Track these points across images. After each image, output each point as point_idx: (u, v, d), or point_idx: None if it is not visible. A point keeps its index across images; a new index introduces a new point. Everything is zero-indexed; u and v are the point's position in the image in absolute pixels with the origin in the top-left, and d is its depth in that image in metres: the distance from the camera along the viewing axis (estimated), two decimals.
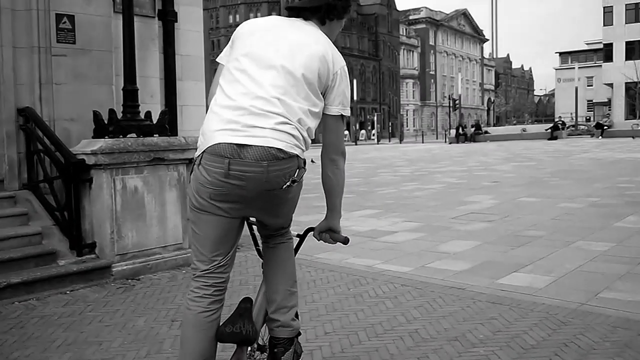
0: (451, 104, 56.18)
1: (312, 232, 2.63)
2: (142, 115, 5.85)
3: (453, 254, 6.23)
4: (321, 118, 2.42)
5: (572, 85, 51.97)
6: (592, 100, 78.01)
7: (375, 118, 61.08)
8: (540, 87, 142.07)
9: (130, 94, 5.73)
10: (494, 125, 70.36)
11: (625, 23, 55.20)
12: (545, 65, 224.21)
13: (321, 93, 2.38)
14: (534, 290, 4.83)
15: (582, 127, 42.99)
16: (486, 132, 41.67)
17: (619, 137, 31.85)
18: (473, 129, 41.09)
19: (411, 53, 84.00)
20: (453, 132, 42.48)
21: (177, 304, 4.63)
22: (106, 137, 5.47)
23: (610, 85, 57.44)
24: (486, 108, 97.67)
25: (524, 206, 9.38)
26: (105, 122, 5.53)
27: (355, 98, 61.76)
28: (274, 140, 2.21)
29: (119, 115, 5.68)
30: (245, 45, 2.37)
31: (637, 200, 9.63)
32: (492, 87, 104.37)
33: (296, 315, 2.65)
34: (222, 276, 2.40)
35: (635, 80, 51.60)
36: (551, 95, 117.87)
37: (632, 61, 52.93)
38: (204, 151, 2.26)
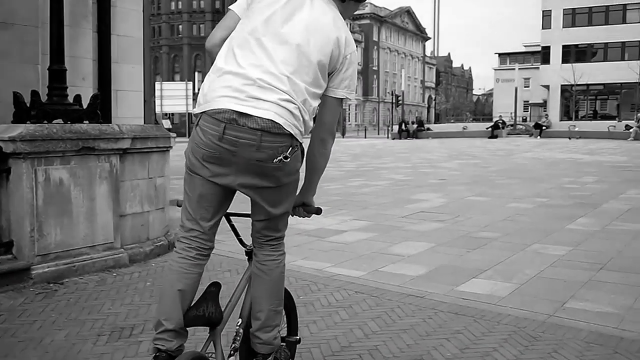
0: (394, 100, 56.42)
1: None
2: (70, 99, 5.25)
3: (407, 257, 5.88)
4: (322, 98, 2.43)
5: (510, 86, 53.10)
6: (528, 101, 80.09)
7: None
8: (479, 87, 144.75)
9: (57, 74, 5.12)
10: (434, 123, 71.19)
11: (563, 27, 56.65)
12: (484, 65, 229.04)
13: (328, 74, 2.40)
14: (496, 299, 4.52)
15: (521, 126, 43.88)
16: (428, 129, 42.00)
17: (556, 138, 32.55)
18: (415, 126, 41.31)
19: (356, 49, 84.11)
20: (396, 127, 42.60)
21: (105, 313, 4.08)
22: (28, 122, 4.85)
23: (547, 87, 58.90)
24: (427, 105, 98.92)
25: (473, 205, 9.16)
26: (28, 105, 4.90)
27: None
28: (274, 114, 2.23)
29: (44, 98, 5.06)
30: (264, 13, 2.36)
31: (584, 201, 9.56)
32: (433, 85, 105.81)
33: (294, 324, 2.96)
34: (206, 243, 2.43)
35: (571, 83, 53.04)
36: (489, 94, 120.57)
37: (568, 64, 54.40)
38: (203, 112, 2.28)
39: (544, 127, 34.91)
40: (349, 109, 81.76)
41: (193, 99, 48.43)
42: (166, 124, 49.53)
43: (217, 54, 2.39)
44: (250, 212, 2.52)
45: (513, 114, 48.17)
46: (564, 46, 56.30)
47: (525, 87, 78.41)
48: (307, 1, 2.39)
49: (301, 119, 2.32)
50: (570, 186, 11.60)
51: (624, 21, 54.77)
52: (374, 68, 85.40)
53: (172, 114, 57.24)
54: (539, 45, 62.07)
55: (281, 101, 2.25)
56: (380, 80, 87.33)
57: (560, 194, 10.42)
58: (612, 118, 49.01)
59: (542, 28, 58.54)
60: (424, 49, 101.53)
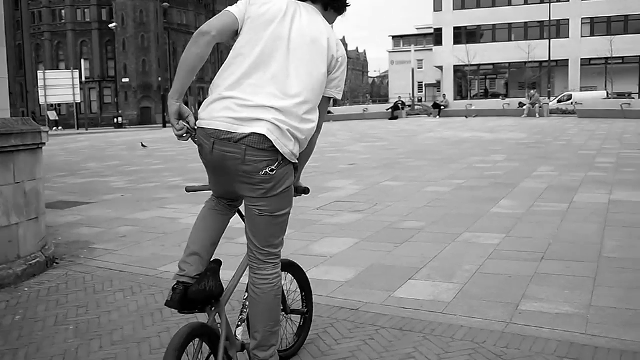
0: None
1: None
2: None
3: (330, 258, 5.17)
4: None
5: (405, 68, 53.91)
6: (422, 82, 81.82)
7: None
8: (374, 69, 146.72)
9: None
10: (333, 106, 71.24)
11: (454, 9, 58.03)
12: (379, 48, 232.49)
13: None
14: (442, 305, 3.89)
15: (419, 107, 44.41)
16: (329, 112, 41.62)
17: (454, 117, 33.03)
18: None
19: None
20: None
21: None
22: None
23: (440, 68, 60.25)
24: None
25: (390, 192, 8.61)
26: None
27: (193, 77, 59.33)
28: (265, 130, 2.36)
29: None
30: (267, 29, 2.48)
31: (500, 181, 9.25)
32: None
33: (309, 300, 3.27)
34: (229, 206, 2.73)
35: (464, 63, 54.43)
36: (384, 77, 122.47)
37: (460, 45, 55.79)
38: (200, 128, 2.47)
39: (442, 107, 35.36)
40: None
41: (80, 88, 45.66)
42: (52, 115, 46.46)
43: (208, 42, 2.46)
44: None
45: (411, 95, 48.77)
46: (455, 28, 57.71)
47: (419, 68, 79.97)
48: (297, 10, 2.56)
49: (293, 139, 2.43)
50: (482, 165, 11.34)
51: (509, 3, 56.79)
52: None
53: (59, 105, 53.85)
54: (431, 27, 63.34)
55: (275, 120, 2.38)
56: None
57: (475, 175, 10.09)
58: (503, 96, 50.78)
59: (434, 10, 59.69)
60: None
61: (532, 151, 13.93)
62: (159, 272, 4.86)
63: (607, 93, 42.65)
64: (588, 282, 4.25)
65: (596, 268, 4.59)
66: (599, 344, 3.22)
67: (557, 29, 53.23)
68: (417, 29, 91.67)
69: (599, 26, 53.81)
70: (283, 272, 2.90)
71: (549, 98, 40.88)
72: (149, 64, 61.03)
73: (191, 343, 2.35)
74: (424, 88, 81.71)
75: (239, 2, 2.57)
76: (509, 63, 56.86)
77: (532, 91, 34.46)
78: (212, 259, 2.68)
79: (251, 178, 2.42)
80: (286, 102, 2.42)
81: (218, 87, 2.50)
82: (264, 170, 2.39)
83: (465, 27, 58.11)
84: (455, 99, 51.07)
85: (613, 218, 6.37)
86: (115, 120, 51.19)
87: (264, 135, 2.35)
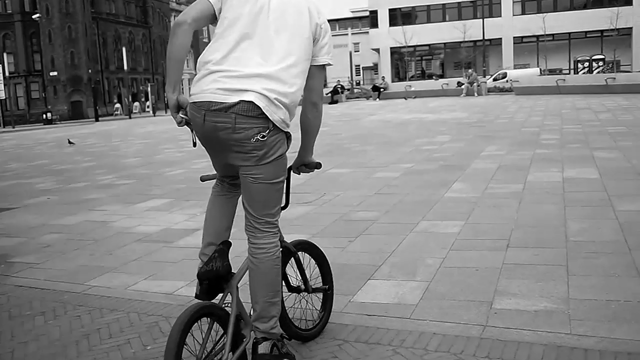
0: None
1: (292, 170, 2.89)
2: None
3: None
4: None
5: (342, 51, 53.31)
6: (359, 65, 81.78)
7: (149, 89, 57.15)
8: None
9: None
10: None
11: None
12: None
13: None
14: (409, 309, 3.48)
15: (359, 90, 44.19)
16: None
17: (394, 99, 32.96)
18: None
19: None
20: None
21: None
22: None
23: (377, 50, 60.20)
24: None
25: (337, 179, 8.19)
26: None
27: (125, 68, 57.45)
28: (254, 97, 2.40)
29: None
30: (244, 6, 2.53)
31: (449, 163, 8.98)
32: None
33: (328, 276, 3.31)
34: (233, 185, 2.75)
35: (401, 45, 54.49)
36: None
37: (396, 27, 55.82)
38: (192, 102, 2.51)
39: (382, 89, 35.21)
40: (182, 84, 78.28)
41: (5, 84, 43.41)
42: None
43: (186, 30, 2.48)
44: None
45: (350, 79, 48.51)
46: (390, 10, 57.65)
47: (356, 51, 79.91)
48: None
49: (282, 107, 2.46)
50: (429, 147, 11.06)
51: None
52: (204, 40, 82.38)
53: None
54: (366, 10, 63.15)
55: (265, 90, 2.41)
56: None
57: (422, 157, 9.79)
58: (438, 77, 51.15)
59: None
60: None
61: (476, 130, 13.78)
62: (87, 287, 4.28)
63: (541, 70, 43.47)
64: (561, 271, 3.94)
65: (566, 254, 4.28)
66: (588, 345, 2.88)
67: (489, 8, 53.94)
68: (352, 12, 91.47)
69: (529, 4, 54.73)
70: (300, 253, 3.08)
71: (484, 77, 41.35)
72: (77, 56, 58.53)
73: (201, 322, 2.40)
74: (361, 71, 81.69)
75: None
76: (444, 43, 57.27)
77: (469, 70, 34.73)
78: (222, 241, 2.71)
79: (243, 146, 2.45)
80: (272, 68, 2.47)
81: (206, 63, 2.52)
82: (255, 137, 2.43)
83: (400, 8, 58.16)
84: (393, 81, 51.12)
85: (571, 197, 6.13)
86: (44, 116, 48.91)
87: (252, 103, 2.40)
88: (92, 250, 5.30)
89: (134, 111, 53.52)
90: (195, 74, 2.58)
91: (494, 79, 41.06)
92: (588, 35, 53.05)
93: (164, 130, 22.67)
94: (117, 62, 61.44)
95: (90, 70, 57.61)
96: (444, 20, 56.90)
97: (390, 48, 57.47)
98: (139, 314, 3.65)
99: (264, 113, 2.41)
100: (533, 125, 14.15)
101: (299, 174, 3.00)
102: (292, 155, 2.73)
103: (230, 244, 2.72)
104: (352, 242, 5.02)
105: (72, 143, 18.73)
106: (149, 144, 17.04)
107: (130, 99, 55.59)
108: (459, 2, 56.42)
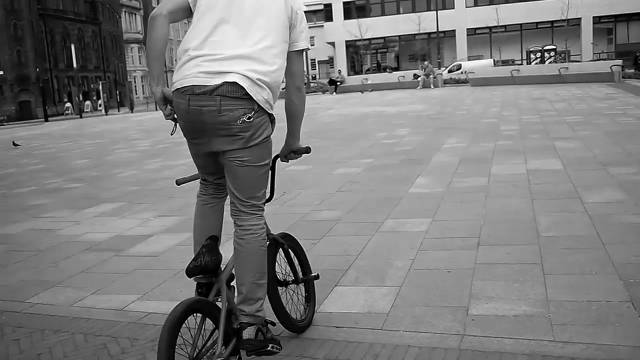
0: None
1: (279, 158, 2.93)
2: None
3: None
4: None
5: None
6: (315, 59, 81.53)
7: (101, 87, 55.59)
8: None
9: None
10: None
11: None
12: None
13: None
14: (380, 318, 3.24)
15: (314, 84, 43.91)
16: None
17: (351, 92, 32.80)
18: None
19: (134, 16, 78.58)
20: None
21: None
22: None
23: (332, 43, 59.97)
24: None
25: (297, 177, 7.91)
26: None
27: (75, 66, 55.87)
28: (237, 78, 2.41)
29: None
30: None
31: (411, 157, 8.80)
32: None
33: (306, 265, 3.29)
34: (218, 188, 2.73)
35: (357, 38, 54.38)
36: None
37: (351, 20, 55.67)
38: (176, 89, 2.48)
39: (338, 83, 35.00)
40: (135, 82, 76.92)
41: None
42: None
43: (162, 22, 2.52)
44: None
45: (305, 73, 48.12)
46: (344, 3, 57.44)
47: (311, 45, 79.43)
48: None
49: (266, 88, 2.48)
50: (389, 141, 10.88)
51: None
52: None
53: None
54: (320, 4, 62.86)
55: (247, 71, 2.43)
56: (169, 48, 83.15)
57: (384, 152, 9.58)
58: (391, 69, 51.25)
59: None
60: None
61: (436, 122, 13.67)
62: (28, 305, 3.91)
63: (494, 61, 43.94)
64: (536, 270, 3.75)
65: (539, 251, 4.11)
66: (574, 353, 2.68)
67: (443, 1, 54.24)
68: (306, 5, 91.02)
69: None
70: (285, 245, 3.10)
71: (439, 69, 41.56)
72: (24, 55, 56.60)
73: (192, 318, 2.34)
74: (317, 65, 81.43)
75: None
76: (399, 36, 57.37)
77: (425, 62, 34.80)
78: (211, 236, 2.68)
79: (229, 128, 2.45)
80: (251, 49, 2.48)
81: (186, 50, 2.52)
82: (241, 119, 2.43)
83: (354, 1, 58.03)
84: (349, 75, 50.99)
85: (537, 190, 5.99)
86: None
87: (236, 83, 2.41)
88: (36, 263, 4.90)
89: (85, 110, 52.09)
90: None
91: (449, 71, 41.31)
92: (539, 26, 53.87)
93: (116, 130, 21.99)
94: (66, 59, 59.60)
95: (38, 69, 55.77)
96: (398, 12, 57.01)
97: (346, 41, 57.30)
98: (85, 335, 3.31)
99: (248, 93, 2.43)
100: (492, 116, 14.11)
101: (287, 161, 3.01)
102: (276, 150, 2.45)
103: (217, 238, 2.70)
104: (316, 244, 4.75)
105: (17, 145, 17.93)
106: (101, 144, 16.43)
107: (81, 98, 54.10)
108: None
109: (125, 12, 75.71)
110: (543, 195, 5.73)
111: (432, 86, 31.14)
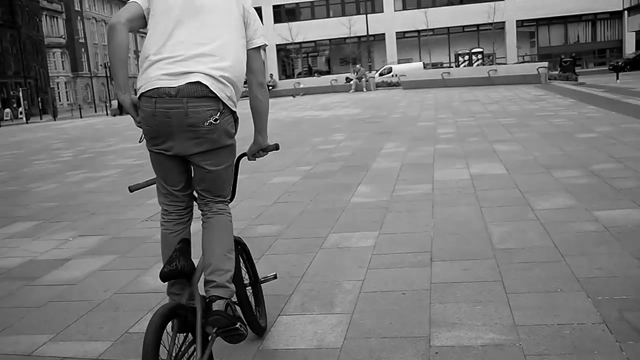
0: (108, 74, 51.79)
1: (246, 157, 2.95)
2: None
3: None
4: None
5: None
6: None
7: (21, 94, 53.18)
8: None
9: None
10: None
11: None
12: None
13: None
14: (331, 355, 2.84)
15: (245, 88, 43.17)
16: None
17: (283, 97, 32.40)
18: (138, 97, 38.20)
19: (55, 20, 75.55)
20: (115, 103, 38.90)
21: None
22: None
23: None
24: None
25: None
26: None
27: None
28: (200, 77, 2.43)
29: None
30: None
31: (351, 163, 8.48)
32: None
33: (254, 269, 3.25)
34: (181, 204, 2.67)
35: (288, 41, 54.04)
36: None
37: (282, 24, 55.29)
38: (141, 94, 2.49)
39: (270, 87, 34.53)
40: (58, 88, 73.99)
41: None
42: None
43: (121, 30, 2.51)
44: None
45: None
46: (274, 6, 57.04)
47: None
48: None
49: (230, 86, 2.50)
50: (326, 147, 10.54)
51: None
52: (80, 41, 78.20)
53: None
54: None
55: (209, 69, 2.46)
56: (90, 53, 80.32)
57: (321, 158, 9.23)
58: (319, 74, 51.21)
59: None
60: None
61: (372, 127, 13.44)
62: None
63: (424, 64, 44.50)
64: (497, 289, 3.45)
65: (497, 267, 3.81)
66: None
67: (372, 4, 54.63)
68: None
69: (410, 0, 56.02)
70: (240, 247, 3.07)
71: (370, 72, 41.73)
72: None
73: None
74: None
75: None
76: (330, 39, 57.48)
77: (357, 66, 34.83)
78: (182, 239, 2.66)
79: (197, 131, 2.46)
80: (210, 46, 2.51)
81: (147, 57, 2.53)
82: (208, 121, 2.46)
83: (284, 5, 57.75)
84: (280, 79, 50.62)
85: (484, 196, 5.75)
86: None
87: (199, 83, 2.42)
88: None
89: (5, 118, 49.63)
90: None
91: (380, 74, 41.52)
92: (465, 30, 55.08)
93: (37, 139, 20.81)
94: None
95: None
96: (328, 16, 57.09)
97: (276, 45, 56.87)
98: None
99: (212, 92, 2.45)
100: (427, 119, 14.01)
101: (255, 159, 3.01)
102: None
103: (189, 241, 2.67)
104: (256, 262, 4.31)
105: None
106: (18, 155, 15.39)
107: (0, 105, 51.50)
108: None
109: (45, 15, 72.74)
110: (491, 202, 5.49)
111: (364, 89, 31.13)
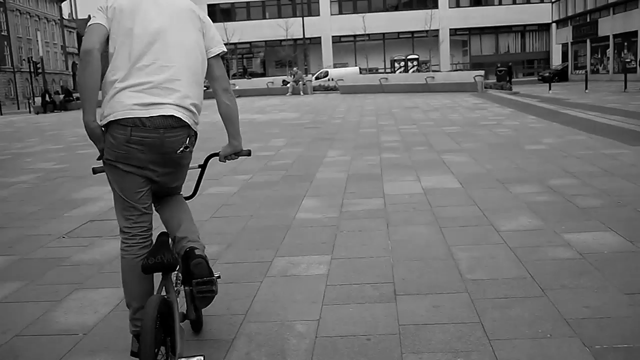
0: (32, 69, 49.30)
1: (217, 158, 3.01)
2: None
3: (84, 335, 3.24)
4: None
5: None
6: None
7: None
8: None
9: None
10: None
11: None
12: None
13: None
14: None
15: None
16: (77, 98, 37.44)
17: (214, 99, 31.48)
18: (62, 96, 36.54)
19: None
20: (38, 100, 36.93)
21: None
22: None
23: None
24: (72, 73, 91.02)
25: None
26: None
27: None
28: (173, 110, 2.53)
29: None
30: (134, 22, 2.57)
31: (293, 173, 7.91)
32: (76, 51, 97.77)
33: None
34: (144, 225, 2.68)
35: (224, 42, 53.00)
36: None
37: (215, 24, 53.98)
38: (111, 121, 2.50)
39: (204, 89, 33.54)
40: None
41: None
42: None
43: (96, 57, 2.50)
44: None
45: None
46: (208, 5, 55.88)
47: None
48: None
49: (196, 112, 2.64)
50: (265, 154, 9.91)
51: None
52: (3, 33, 74.45)
53: None
54: None
55: (178, 99, 2.55)
56: (13, 47, 76.44)
57: (260, 166, 8.61)
58: (259, 75, 50.51)
59: None
60: (61, 12, 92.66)
61: (312, 132, 12.92)
62: None
63: (360, 69, 44.45)
64: (478, 334, 2.94)
65: (471, 303, 3.33)
66: None
67: (308, 7, 54.35)
68: None
69: (346, 4, 56.07)
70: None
71: (307, 75, 41.32)
72: None
73: None
74: None
75: (94, 12, 2.63)
76: (265, 41, 56.84)
77: (294, 69, 34.29)
78: (161, 232, 2.77)
79: (170, 157, 2.59)
80: (175, 69, 2.56)
81: (112, 82, 2.53)
82: (180, 149, 2.59)
83: (219, 4, 56.70)
84: None
85: (442, 214, 5.29)
86: None
87: (173, 116, 2.52)
88: None
89: None
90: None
91: (316, 78, 41.19)
92: (400, 36, 55.55)
93: None
94: None
95: None
96: (264, 17, 56.46)
97: None
98: None
99: (184, 121, 2.55)
100: (369, 125, 13.60)
101: (225, 161, 3.04)
102: None
103: (168, 234, 2.78)
104: None
105: None
106: None
107: None
108: (278, 0, 56.26)
109: None
110: (450, 222, 5.03)
111: (302, 93, 30.63)
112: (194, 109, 2.60)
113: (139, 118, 2.45)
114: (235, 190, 6.97)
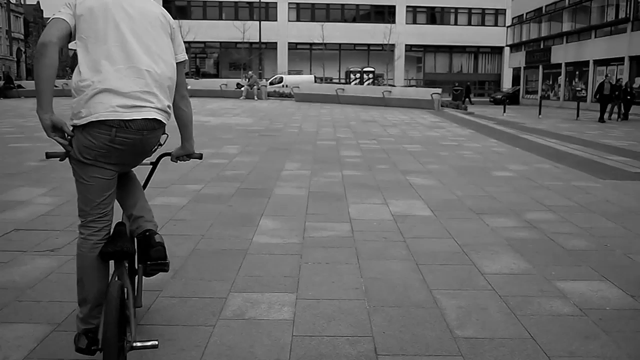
0: None
1: (170, 157, 3.08)
2: None
3: None
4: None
5: None
6: None
7: None
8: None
9: None
10: (26, 79, 62.54)
11: None
12: None
13: None
14: None
15: None
16: (19, 86, 35.73)
17: None
18: (3, 82, 34.82)
19: None
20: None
21: None
22: None
23: None
24: (16, 59, 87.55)
25: None
26: None
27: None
28: (155, 114, 2.62)
29: None
30: (104, 20, 2.57)
31: (248, 186, 7.26)
32: (22, 37, 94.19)
33: None
34: (108, 219, 2.72)
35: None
36: None
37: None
38: (93, 121, 2.51)
39: None
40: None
41: None
42: None
43: (53, 49, 2.46)
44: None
45: None
46: (164, 1, 54.36)
47: None
48: None
49: (170, 111, 2.74)
50: (217, 161, 9.22)
51: None
52: None
53: None
54: None
55: (159, 102, 2.63)
56: None
57: (213, 176, 7.93)
58: (212, 76, 49.48)
59: None
60: None
61: (268, 141, 12.27)
62: None
63: (315, 77, 44.01)
64: None
65: None
66: None
67: (266, 12, 53.63)
68: None
69: (304, 12, 55.63)
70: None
71: (261, 80, 40.61)
72: None
73: None
74: None
75: (61, 7, 2.59)
76: (220, 42, 55.82)
77: (250, 72, 33.52)
78: (118, 222, 2.85)
79: (146, 152, 2.73)
80: (154, 69, 2.61)
81: (87, 82, 2.51)
82: (157, 144, 2.75)
83: (174, 1, 55.39)
84: None
85: (417, 248, 4.75)
86: None
87: (155, 119, 2.61)
88: None
89: None
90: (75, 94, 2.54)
91: (271, 83, 40.52)
92: (357, 48, 55.49)
93: None
94: None
95: None
96: (220, 18, 55.46)
97: None
98: None
99: (163, 122, 2.68)
100: (327, 137, 13.06)
101: (177, 162, 3.12)
102: None
103: (125, 224, 2.85)
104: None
105: None
106: None
107: None
108: (235, 2, 55.41)
109: None
110: (428, 258, 4.49)
111: (256, 98, 29.92)
112: (169, 110, 2.72)
113: (124, 120, 2.52)
114: (184, 203, 6.28)
